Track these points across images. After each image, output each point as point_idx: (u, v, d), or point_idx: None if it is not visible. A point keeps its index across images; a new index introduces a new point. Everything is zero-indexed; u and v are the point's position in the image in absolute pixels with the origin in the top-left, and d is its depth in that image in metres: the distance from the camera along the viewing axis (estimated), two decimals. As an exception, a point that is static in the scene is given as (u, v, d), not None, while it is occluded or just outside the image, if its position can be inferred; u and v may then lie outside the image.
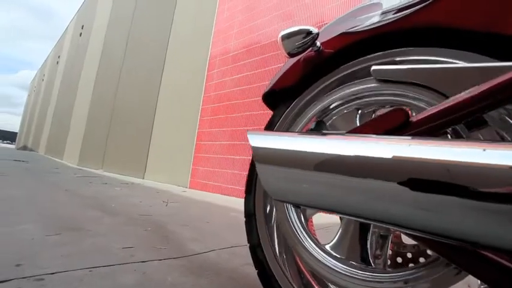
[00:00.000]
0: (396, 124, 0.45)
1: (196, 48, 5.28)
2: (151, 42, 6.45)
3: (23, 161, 6.50)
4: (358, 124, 0.62)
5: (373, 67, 0.55)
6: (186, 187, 4.87)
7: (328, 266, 0.52)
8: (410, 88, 0.50)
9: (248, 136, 0.59)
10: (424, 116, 0.44)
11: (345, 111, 0.63)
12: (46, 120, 13.02)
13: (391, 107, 0.61)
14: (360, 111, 0.62)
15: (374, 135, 0.43)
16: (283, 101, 0.79)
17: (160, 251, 1.22)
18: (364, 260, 0.53)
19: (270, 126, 0.79)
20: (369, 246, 0.54)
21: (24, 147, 13.75)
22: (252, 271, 1.09)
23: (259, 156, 0.54)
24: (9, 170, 4.12)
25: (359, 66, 0.62)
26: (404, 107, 0.49)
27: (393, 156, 0.36)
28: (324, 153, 0.44)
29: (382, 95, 0.55)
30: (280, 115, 0.78)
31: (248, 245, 0.73)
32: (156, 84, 5.96)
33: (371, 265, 0.53)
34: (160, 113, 5.81)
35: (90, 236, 1.29)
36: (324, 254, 0.54)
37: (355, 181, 0.39)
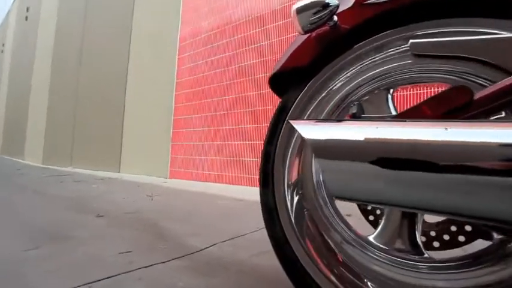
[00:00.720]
0: (460, 103, 0.41)
1: (164, 30, 4.94)
2: (112, 24, 5.93)
3: (-23, 164, 5.89)
4: (390, 106, 0.57)
5: (412, 40, 0.49)
6: (167, 177, 4.70)
7: (377, 259, 0.49)
8: (459, 63, 0.46)
9: (297, 127, 0.52)
10: (488, 92, 0.40)
11: (375, 92, 0.58)
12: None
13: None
14: (391, 91, 0.58)
15: (461, 121, 0.38)
16: (295, 83, 0.72)
17: (160, 251, 1.14)
18: (416, 248, 0.50)
19: (283, 111, 0.72)
20: (417, 233, 0.51)
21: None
22: (261, 261, 1.06)
23: (320, 150, 0.48)
24: (-36, 176, 3.70)
25: (386, 40, 0.56)
26: (465, 85, 0.45)
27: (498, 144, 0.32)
28: (407, 143, 0.39)
29: (421, 71, 0.50)
30: (294, 99, 0.71)
31: (272, 242, 0.68)
32: (123, 71, 5.56)
33: (422, 253, 0.50)
34: (131, 101, 5.46)
35: (77, 245, 1.17)
36: (370, 246, 0.51)
37: (449, 176, 0.35)
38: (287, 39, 3.24)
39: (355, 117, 0.60)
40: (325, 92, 0.66)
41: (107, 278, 0.87)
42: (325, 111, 0.62)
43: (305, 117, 0.65)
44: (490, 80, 0.44)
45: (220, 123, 4.10)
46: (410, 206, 0.38)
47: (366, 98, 0.59)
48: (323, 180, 0.48)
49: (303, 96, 0.70)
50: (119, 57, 5.69)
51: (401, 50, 0.53)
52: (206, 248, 1.22)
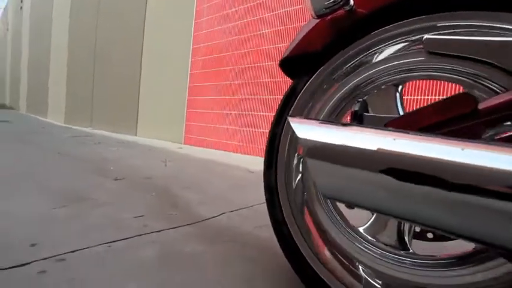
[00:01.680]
0: (463, 112, 0.41)
1: (181, -8, 4.76)
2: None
3: (4, 121, 6.22)
4: (398, 103, 0.56)
5: (426, 36, 0.47)
6: (181, 143, 4.85)
7: (364, 250, 0.52)
8: (474, 65, 0.44)
9: (292, 125, 0.54)
10: (493, 103, 0.39)
11: (383, 86, 0.57)
12: (21, 74, 12.15)
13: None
14: (400, 88, 0.57)
15: (453, 138, 0.38)
16: (305, 68, 0.72)
17: (172, 218, 1.23)
18: (401, 243, 0.53)
19: (292, 95, 0.72)
20: (405, 229, 0.54)
21: (3, 106, 13.05)
22: (263, 233, 1.13)
23: (311, 151, 0.50)
24: (-6, 132, 3.95)
25: (404, 29, 0.54)
26: (470, 93, 0.44)
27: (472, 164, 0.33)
28: (395, 155, 0.40)
29: (433, 69, 0.49)
30: (304, 84, 0.71)
31: (271, 221, 0.73)
32: (139, 34, 5.50)
33: (408, 248, 0.53)
34: (147, 66, 5.47)
35: (98, 206, 1.28)
36: (359, 237, 0.54)
37: (429, 190, 0.36)
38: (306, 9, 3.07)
39: (358, 114, 0.60)
40: (336, 80, 0.65)
41: (124, 239, 0.96)
42: (335, 98, 0.62)
43: (311, 107, 0.65)
44: (503, 87, 0.43)
45: (236, 93, 4.08)
46: (399, 216, 0.40)
47: (374, 92, 0.58)
48: (314, 180, 0.50)
49: (313, 81, 0.69)
50: (135, 20, 5.60)
51: (416, 44, 0.51)
52: (214, 216, 1.30)
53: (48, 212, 1.16)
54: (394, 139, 0.40)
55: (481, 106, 0.41)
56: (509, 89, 0.41)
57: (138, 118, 5.62)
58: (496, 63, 0.42)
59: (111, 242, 0.93)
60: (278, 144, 0.73)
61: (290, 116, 0.62)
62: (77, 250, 0.86)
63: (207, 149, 4.29)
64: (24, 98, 11.20)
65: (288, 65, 0.77)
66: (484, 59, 0.43)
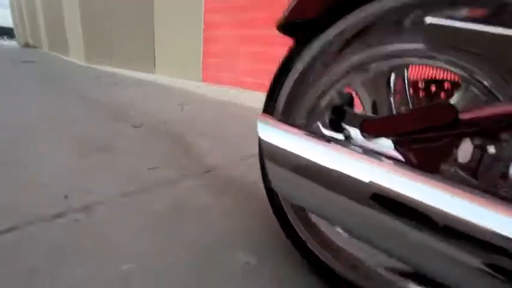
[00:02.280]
0: (444, 121, 0.39)
1: None
2: None
3: (30, 62, 6.41)
4: (391, 89, 0.53)
5: (427, 19, 0.41)
6: (200, 81, 4.83)
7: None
8: (474, 59, 0.40)
9: (258, 124, 0.53)
10: (474, 115, 0.37)
11: (376, 71, 0.53)
12: (37, 10, 11.90)
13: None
14: (393, 74, 0.52)
15: (400, 168, 0.38)
16: (304, 33, 0.66)
17: (184, 168, 1.34)
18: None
19: (290, 60, 0.69)
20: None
21: (27, 45, 13.22)
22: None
23: (269, 154, 0.51)
24: (22, 76, 4.14)
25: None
26: (451, 103, 0.40)
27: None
28: (345, 176, 0.40)
29: (432, 58, 0.44)
30: (299, 51, 0.66)
31: (264, 186, 0.79)
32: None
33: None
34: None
35: (118, 157, 1.41)
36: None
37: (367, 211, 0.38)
38: None
39: (340, 109, 0.57)
40: (334, 51, 0.60)
41: (140, 191, 1.09)
42: (325, 79, 0.59)
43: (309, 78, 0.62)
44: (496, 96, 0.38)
45: (253, 28, 3.80)
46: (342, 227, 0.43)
47: (369, 74, 0.54)
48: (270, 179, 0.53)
49: (308, 50, 0.65)
50: None
51: (418, 25, 0.44)
52: (224, 166, 1.40)
53: (74, 163, 1.30)
54: (347, 158, 0.40)
55: (461, 117, 0.39)
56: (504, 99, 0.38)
57: (156, 56, 5.54)
58: (497, 61, 0.37)
59: (128, 193, 1.06)
60: (273, 108, 0.72)
61: (262, 112, 0.61)
62: (101, 202, 1.00)
63: (225, 87, 4.26)
64: (46, 36, 11.19)
65: (286, 28, 0.71)
66: (485, 55, 0.38)
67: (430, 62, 0.45)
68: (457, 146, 0.45)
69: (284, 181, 0.52)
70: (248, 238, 0.86)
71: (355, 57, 0.54)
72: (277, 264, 0.75)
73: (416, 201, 0.35)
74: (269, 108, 0.74)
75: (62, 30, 8.92)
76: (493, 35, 0.38)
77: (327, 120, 0.61)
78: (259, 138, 0.54)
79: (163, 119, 2.20)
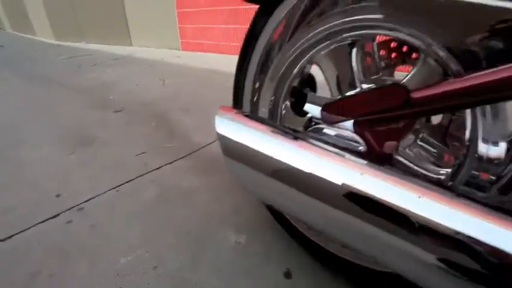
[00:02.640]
0: (395, 103, 0.40)
1: None
2: None
3: (-2, 47, 6.00)
4: (353, 62, 0.52)
5: None
6: (179, 49, 4.60)
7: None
8: (435, 31, 0.39)
9: (216, 118, 0.53)
10: (426, 94, 0.38)
11: (337, 44, 0.51)
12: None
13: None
14: (355, 47, 0.51)
15: (354, 159, 0.39)
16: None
17: (169, 150, 1.35)
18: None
19: (255, 36, 0.66)
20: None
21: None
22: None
23: (227, 149, 0.51)
24: (-8, 66, 3.91)
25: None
26: (402, 84, 0.40)
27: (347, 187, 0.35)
28: (299, 171, 0.42)
29: (391, 29, 0.43)
30: (265, 21, 0.63)
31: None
32: None
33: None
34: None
35: (103, 147, 1.41)
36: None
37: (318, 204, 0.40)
38: None
39: (300, 92, 0.56)
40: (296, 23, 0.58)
41: (128, 181, 1.12)
42: (288, 53, 0.57)
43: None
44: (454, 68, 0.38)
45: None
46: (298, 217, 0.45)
47: (328, 51, 0.52)
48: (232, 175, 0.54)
49: (274, 19, 0.62)
50: None
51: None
52: (208, 144, 1.41)
53: (62, 159, 1.31)
54: (308, 153, 0.41)
55: (413, 96, 0.39)
56: (457, 73, 0.38)
57: (129, 26, 5.19)
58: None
59: (118, 186, 1.09)
60: (250, 59, 0.70)
61: (221, 107, 0.60)
62: (92, 198, 1.03)
63: (205, 54, 4.09)
64: (5, 16, 10.30)
65: None
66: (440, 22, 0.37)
67: (391, 33, 0.44)
68: (413, 125, 0.47)
69: (246, 179, 0.54)
70: (237, 218, 0.91)
71: (316, 29, 0.52)
72: (267, 242, 0.81)
73: (385, 201, 0.36)
74: (237, 99, 0.74)
75: (23, 8, 8.20)
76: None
77: (289, 104, 0.61)
78: (217, 133, 0.55)
79: (144, 99, 2.15)
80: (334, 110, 0.50)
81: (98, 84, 2.68)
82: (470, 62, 0.37)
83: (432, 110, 0.41)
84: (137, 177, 1.15)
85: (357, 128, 0.50)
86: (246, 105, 0.71)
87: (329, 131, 0.52)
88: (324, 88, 0.64)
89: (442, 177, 0.50)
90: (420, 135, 0.61)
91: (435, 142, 0.59)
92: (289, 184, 0.45)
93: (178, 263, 0.76)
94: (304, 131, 0.60)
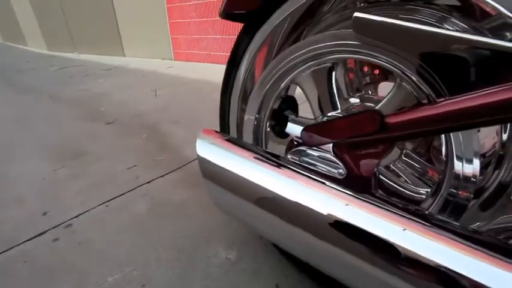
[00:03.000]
0: (368, 130, 0.41)
1: None
2: None
3: (-12, 58, 5.95)
4: (333, 85, 0.53)
5: (355, 14, 0.41)
6: (172, 59, 4.63)
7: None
8: (403, 58, 0.40)
9: (197, 140, 0.54)
10: (400, 119, 0.39)
11: (317, 67, 0.53)
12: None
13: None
14: (335, 70, 0.52)
15: (332, 186, 0.40)
16: (247, 26, 0.64)
17: (160, 163, 1.35)
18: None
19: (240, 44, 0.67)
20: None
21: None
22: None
23: (206, 172, 0.52)
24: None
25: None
26: (376, 110, 0.41)
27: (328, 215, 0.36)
28: (277, 196, 0.42)
29: (364, 54, 0.44)
30: (248, 41, 0.64)
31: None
32: None
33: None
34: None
35: (93, 162, 1.40)
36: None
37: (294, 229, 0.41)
38: None
39: (281, 115, 0.57)
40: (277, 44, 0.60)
41: (118, 196, 1.11)
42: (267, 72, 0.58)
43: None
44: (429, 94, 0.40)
45: (215, -7, 3.58)
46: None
47: (310, 70, 0.54)
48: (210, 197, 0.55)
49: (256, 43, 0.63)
50: None
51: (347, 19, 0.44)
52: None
53: (50, 174, 1.29)
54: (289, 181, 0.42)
55: (387, 120, 0.41)
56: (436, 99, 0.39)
57: (121, 36, 5.20)
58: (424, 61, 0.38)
59: (108, 201, 1.08)
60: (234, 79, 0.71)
61: (203, 130, 0.61)
62: (80, 214, 1.02)
63: (198, 64, 4.12)
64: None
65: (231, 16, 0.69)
66: (413, 53, 0.39)
67: (366, 58, 0.46)
68: (391, 148, 0.48)
69: (223, 202, 0.54)
70: (227, 232, 0.90)
71: (299, 51, 0.53)
72: (257, 258, 0.80)
73: (368, 233, 0.35)
74: (224, 122, 0.75)
75: (14, 20, 8.17)
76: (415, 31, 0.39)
77: (269, 128, 0.62)
78: (197, 155, 0.55)
79: (136, 111, 2.15)
80: (313, 133, 0.51)
81: (89, 95, 2.67)
82: (442, 88, 0.39)
83: (408, 135, 0.42)
84: (128, 191, 1.14)
85: (336, 151, 0.51)
86: (233, 127, 0.72)
87: (310, 153, 0.53)
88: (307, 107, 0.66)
89: (423, 196, 0.51)
90: (404, 151, 0.63)
91: (419, 158, 0.61)
92: (267, 210, 0.45)
93: (167, 280, 0.75)
94: (284, 156, 0.61)
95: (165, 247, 0.85)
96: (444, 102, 0.37)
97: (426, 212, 0.36)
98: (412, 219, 0.34)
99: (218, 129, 0.70)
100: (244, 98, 0.65)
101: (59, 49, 6.64)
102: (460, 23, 0.49)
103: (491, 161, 0.51)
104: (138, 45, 5.02)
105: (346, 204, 0.36)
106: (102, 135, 1.73)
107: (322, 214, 0.37)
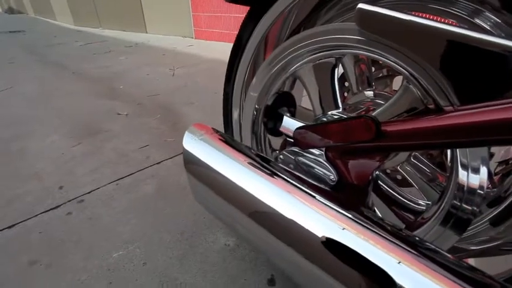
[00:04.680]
0: (363, 136, 0.38)
1: None
2: None
3: (19, 31, 6.17)
4: (336, 77, 0.49)
5: (360, 5, 0.37)
6: (192, 37, 4.59)
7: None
8: (405, 54, 0.36)
9: (186, 133, 0.53)
10: (396, 128, 0.35)
11: (318, 61, 0.49)
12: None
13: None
14: (340, 64, 0.49)
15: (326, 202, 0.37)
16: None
17: (171, 145, 1.37)
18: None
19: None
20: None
21: (11, 10, 12.50)
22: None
23: (189, 166, 0.51)
24: (11, 50, 4.04)
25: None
26: (371, 116, 0.37)
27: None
28: (256, 200, 0.40)
29: (367, 50, 0.41)
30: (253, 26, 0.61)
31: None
32: None
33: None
34: None
35: (108, 139, 1.45)
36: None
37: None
38: None
39: (275, 112, 0.54)
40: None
41: (128, 175, 1.15)
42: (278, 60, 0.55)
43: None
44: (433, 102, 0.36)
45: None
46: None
47: (312, 68, 0.50)
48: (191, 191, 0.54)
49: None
50: None
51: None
52: (211, 139, 1.42)
53: (68, 150, 1.35)
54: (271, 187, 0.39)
55: (384, 129, 0.37)
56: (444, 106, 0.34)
57: (144, 13, 5.20)
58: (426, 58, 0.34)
59: (118, 180, 1.12)
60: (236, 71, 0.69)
61: (194, 124, 0.59)
62: (93, 191, 1.06)
63: (218, 43, 4.06)
64: (28, 1, 10.54)
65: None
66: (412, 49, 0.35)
67: (369, 55, 0.42)
68: (387, 158, 0.44)
69: (203, 198, 0.53)
70: (228, 216, 0.92)
71: (304, 41, 0.50)
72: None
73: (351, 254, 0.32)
74: (227, 113, 0.73)
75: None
76: (429, 28, 0.35)
77: (263, 124, 0.59)
78: (183, 148, 0.54)
79: (153, 90, 2.17)
80: (306, 136, 0.48)
81: (110, 73, 2.72)
82: (451, 96, 0.35)
83: (407, 146, 0.39)
84: (138, 171, 1.17)
85: (329, 156, 0.48)
86: (235, 117, 0.70)
87: (303, 154, 0.51)
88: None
89: (423, 207, 0.48)
90: (412, 154, 0.59)
91: (427, 162, 0.56)
92: (246, 215, 0.43)
93: (167, 261, 0.78)
94: (273, 160, 0.58)
95: (167, 229, 0.88)
96: (453, 113, 0.33)
97: (416, 239, 0.32)
98: (397, 245, 0.31)
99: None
100: (247, 88, 0.63)
101: (85, 24, 6.77)
102: (492, 17, 0.43)
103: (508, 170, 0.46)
104: (160, 22, 5.00)
105: (332, 220, 0.34)
106: (118, 113, 1.77)
107: (302, 227, 0.35)
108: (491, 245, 0.47)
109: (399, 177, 0.66)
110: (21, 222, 0.93)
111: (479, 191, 0.38)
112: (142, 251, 0.81)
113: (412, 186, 0.59)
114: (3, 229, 0.90)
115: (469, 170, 0.38)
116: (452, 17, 0.52)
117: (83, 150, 1.35)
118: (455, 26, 0.33)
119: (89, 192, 1.06)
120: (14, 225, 0.92)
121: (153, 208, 0.97)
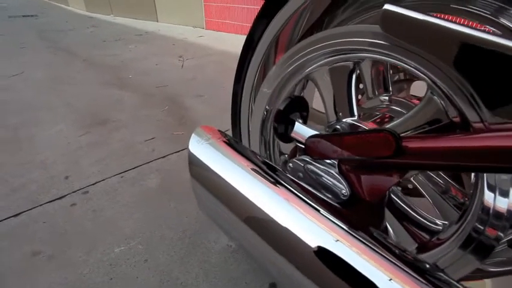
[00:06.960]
0: (382, 152, 0.35)
1: None
2: None
3: (31, 16, 6.20)
4: (352, 82, 0.46)
5: (386, 6, 0.34)
6: (203, 28, 4.54)
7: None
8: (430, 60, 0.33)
9: (192, 136, 0.50)
10: (421, 145, 0.32)
11: (335, 64, 0.46)
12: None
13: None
14: (358, 69, 0.45)
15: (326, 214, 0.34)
16: None
17: (178, 138, 1.36)
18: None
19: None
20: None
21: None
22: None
23: (194, 171, 0.48)
24: (23, 35, 4.06)
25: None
26: (391, 130, 0.34)
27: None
28: (262, 213, 0.38)
29: (389, 56, 0.37)
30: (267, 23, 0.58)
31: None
32: None
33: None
34: None
35: (115, 130, 1.44)
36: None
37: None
38: None
39: (288, 118, 0.51)
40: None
41: (133, 168, 1.14)
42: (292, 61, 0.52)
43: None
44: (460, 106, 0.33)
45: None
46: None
47: (326, 70, 0.47)
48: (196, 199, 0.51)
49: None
50: None
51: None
52: (217, 135, 1.40)
53: (75, 140, 1.35)
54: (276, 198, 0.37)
55: (405, 145, 0.34)
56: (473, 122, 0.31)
57: (156, 2, 5.16)
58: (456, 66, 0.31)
59: (123, 172, 1.11)
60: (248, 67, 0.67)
61: (201, 125, 0.56)
62: (97, 182, 1.06)
63: (228, 35, 4.00)
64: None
65: None
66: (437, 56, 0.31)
67: (393, 61, 0.39)
68: (404, 174, 0.41)
69: (207, 206, 0.51)
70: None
71: (320, 43, 0.47)
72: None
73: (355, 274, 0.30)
74: (235, 114, 0.71)
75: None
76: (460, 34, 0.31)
77: (272, 129, 0.56)
78: (188, 151, 0.51)
79: (162, 81, 2.15)
80: (319, 145, 0.45)
81: (119, 61, 2.71)
82: (482, 112, 0.31)
83: (427, 166, 0.35)
84: (143, 164, 1.16)
85: (342, 169, 0.45)
86: (244, 119, 0.68)
87: (314, 163, 0.48)
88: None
89: (439, 227, 0.45)
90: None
91: (445, 176, 0.53)
92: (250, 227, 0.40)
93: (168, 259, 0.77)
94: (282, 165, 0.55)
95: (170, 226, 0.87)
96: (483, 134, 0.30)
97: (411, 257, 0.30)
98: (390, 261, 0.29)
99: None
100: (257, 90, 0.60)
101: (96, 10, 6.75)
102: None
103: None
104: (171, 11, 4.96)
105: (336, 240, 0.32)
106: (127, 103, 1.76)
107: (307, 245, 0.33)
108: (509, 268, 0.44)
109: (410, 186, 0.63)
110: (26, 211, 0.93)
111: (507, 215, 0.35)
112: (144, 248, 0.80)
113: (423, 196, 0.56)
114: (9, 217, 0.91)
115: (497, 192, 0.35)
116: (475, 17, 0.48)
117: (89, 140, 1.35)
118: (491, 34, 0.30)
119: (93, 184, 1.05)
120: (19, 213, 0.92)
121: (155, 203, 0.96)
